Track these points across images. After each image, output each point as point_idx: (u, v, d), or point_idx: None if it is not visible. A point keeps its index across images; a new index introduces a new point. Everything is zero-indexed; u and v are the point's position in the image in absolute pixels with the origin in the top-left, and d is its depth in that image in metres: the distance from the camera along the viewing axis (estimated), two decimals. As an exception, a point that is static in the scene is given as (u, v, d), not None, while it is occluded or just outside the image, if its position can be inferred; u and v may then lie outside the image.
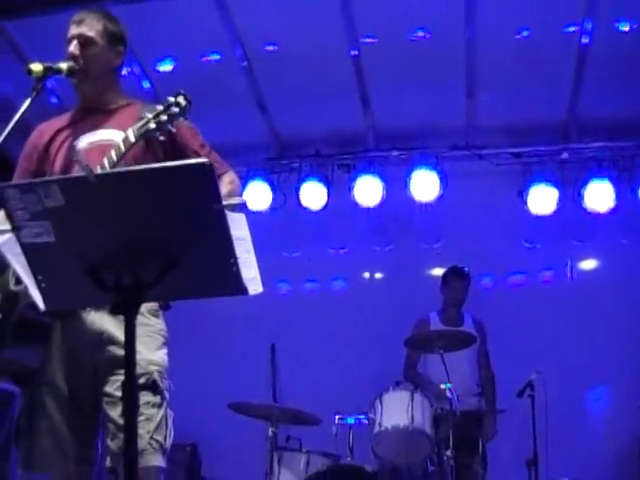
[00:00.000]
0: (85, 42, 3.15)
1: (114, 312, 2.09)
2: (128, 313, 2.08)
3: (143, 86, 6.82)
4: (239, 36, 6.50)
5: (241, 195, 3.34)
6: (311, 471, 5.49)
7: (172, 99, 2.91)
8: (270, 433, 5.66)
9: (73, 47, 3.14)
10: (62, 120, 3.34)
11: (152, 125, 2.87)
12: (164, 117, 2.87)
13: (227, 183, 3.14)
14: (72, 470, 2.93)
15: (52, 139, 3.25)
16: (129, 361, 2.11)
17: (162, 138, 2.94)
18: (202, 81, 6.47)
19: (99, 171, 2.65)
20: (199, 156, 3.12)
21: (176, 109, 2.89)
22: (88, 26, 3.18)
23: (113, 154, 2.85)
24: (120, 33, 3.29)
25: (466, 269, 6.73)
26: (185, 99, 2.92)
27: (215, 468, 7.01)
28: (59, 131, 3.26)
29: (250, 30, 6.43)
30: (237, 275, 2.06)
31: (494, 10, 6.00)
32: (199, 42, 6.58)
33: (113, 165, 2.83)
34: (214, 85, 6.57)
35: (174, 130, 2.95)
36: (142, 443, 2.71)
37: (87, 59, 3.15)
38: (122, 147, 2.87)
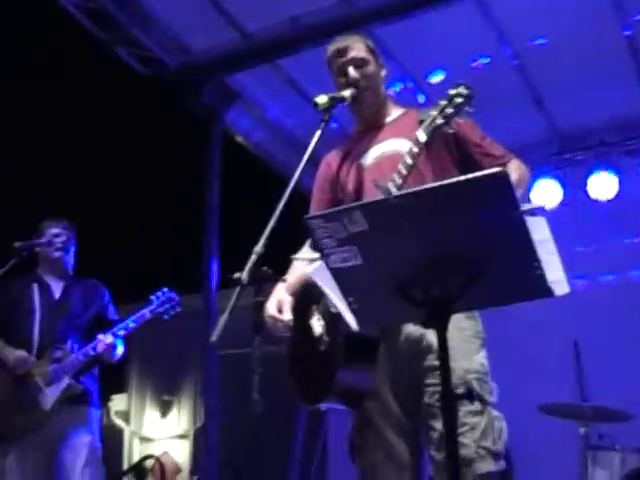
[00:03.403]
0: (361, 64, 3.27)
1: (426, 326, 2.15)
2: (439, 326, 2.12)
3: (418, 100, 6.94)
4: (505, 36, 6.44)
5: (529, 183, 3.27)
6: (627, 469, 5.28)
7: (453, 91, 2.89)
8: (582, 432, 5.51)
9: (353, 72, 3.25)
10: (345, 146, 3.46)
11: (439, 120, 2.87)
12: (450, 110, 2.86)
13: (514, 171, 3.10)
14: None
15: (340, 167, 3.37)
16: (444, 374, 2.15)
17: (451, 130, 2.92)
18: (475, 86, 6.45)
19: (392, 187, 2.74)
20: (481, 148, 3.15)
21: (459, 99, 2.86)
22: (355, 49, 3.29)
23: (402, 167, 2.87)
24: (374, 47, 3.37)
25: None
26: (466, 88, 2.89)
27: (528, 471, 6.91)
28: (344, 157, 3.38)
29: (515, 28, 6.35)
30: (541, 278, 2.04)
31: None
32: (466, 48, 6.58)
33: (405, 174, 2.86)
34: (487, 88, 6.50)
35: (461, 122, 2.95)
36: (469, 452, 2.75)
37: (366, 79, 3.26)
38: (414, 149, 2.88)
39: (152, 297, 4.81)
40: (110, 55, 6.84)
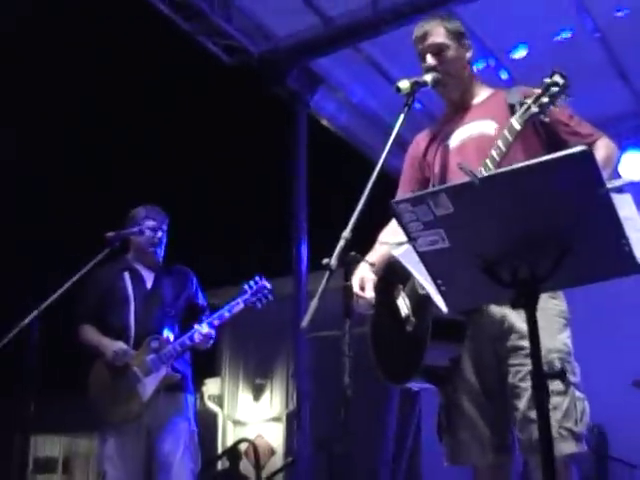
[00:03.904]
0: (438, 50, 3.27)
1: (514, 306, 2.16)
2: (528, 306, 2.14)
3: (501, 77, 6.89)
4: (587, 8, 6.34)
5: (617, 160, 3.23)
6: None
7: (548, 80, 2.86)
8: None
9: (430, 59, 3.26)
10: (434, 127, 3.49)
11: (535, 109, 2.87)
12: (545, 99, 2.85)
13: (603, 149, 3.08)
14: (492, 460, 3.01)
15: (428, 146, 3.39)
16: (535, 353, 2.16)
17: (547, 119, 2.92)
18: (558, 60, 6.34)
19: (481, 172, 2.74)
20: (569, 127, 3.12)
21: (555, 88, 2.84)
22: (433, 35, 3.29)
23: (495, 154, 2.89)
24: (458, 28, 3.35)
25: None
26: (562, 77, 2.86)
27: (622, 446, 6.84)
28: (433, 138, 3.41)
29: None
30: (630, 255, 2.05)
31: None
32: (548, 22, 6.50)
33: (498, 161, 2.88)
34: (571, 62, 6.36)
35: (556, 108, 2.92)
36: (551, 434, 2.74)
37: (445, 64, 3.26)
38: (508, 137, 2.90)
39: (245, 286, 4.82)
40: (195, 45, 6.96)
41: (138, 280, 4.93)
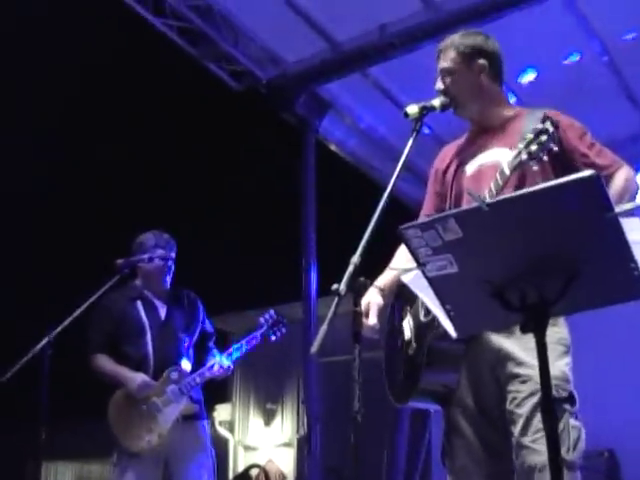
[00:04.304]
0: (446, 73, 3.27)
1: (524, 331, 2.16)
2: (537, 330, 2.14)
3: (509, 101, 6.89)
4: (595, 31, 6.37)
5: (637, 189, 3.20)
6: None
7: (540, 126, 2.86)
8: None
9: (438, 83, 3.28)
10: (459, 144, 3.44)
11: (524, 156, 2.87)
12: (534, 147, 2.85)
13: (621, 181, 3.04)
14: None
15: (450, 163, 3.37)
16: (544, 378, 2.17)
17: (535, 168, 2.91)
18: (566, 83, 6.42)
19: (488, 199, 2.74)
20: (587, 158, 3.07)
21: (544, 137, 2.83)
22: (443, 58, 3.29)
23: (499, 177, 2.91)
24: (476, 46, 3.28)
25: None
26: (552, 124, 2.85)
27: (634, 472, 6.80)
28: (456, 154, 3.37)
29: (604, 22, 6.28)
30: (639, 279, 2.04)
31: None
32: (556, 46, 6.55)
33: (499, 188, 2.89)
34: (579, 85, 6.48)
35: (545, 157, 2.89)
36: (541, 459, 2.70)
37: (453, 89, 3.25)
38: (506, 171, 2.92)
39: (261, 319, 4.90)
40: (203, 70, 7.01)
41: (151, 309, 4.92)
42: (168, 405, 4.66)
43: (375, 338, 3.15)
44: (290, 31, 6.68)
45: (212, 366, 4.74)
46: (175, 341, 4.86)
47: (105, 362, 4.81)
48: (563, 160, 3.04)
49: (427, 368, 2.98)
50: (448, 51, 3.29)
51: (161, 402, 4.66)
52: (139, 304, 4.91)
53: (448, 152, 3.46)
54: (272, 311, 4.92)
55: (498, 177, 2.93)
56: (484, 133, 3.31)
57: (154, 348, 4.78)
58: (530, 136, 2.87)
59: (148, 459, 4.62)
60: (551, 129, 2.84)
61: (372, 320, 3.08)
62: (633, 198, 3.14)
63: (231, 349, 4.83)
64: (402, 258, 3.21)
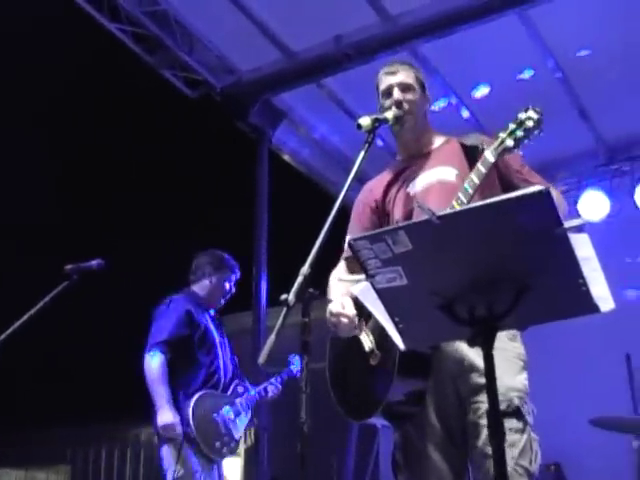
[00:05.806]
0: (406, 88, 3.33)
1: (471, 344, 2.16)
2: (485, 344, 2.14)
3: (462, 115, 6.95)
4: (549, 48, 6.44)
5: (567, 209, 3.29)
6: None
7: (523, 115, 2.95)
8: (635, 446, 5.47)
9: (397, 93, 3.31)
10: (387, 175, 3.48)
11: (509, 142, 2.94)
12: (520, 133, 2.93)
13: (556, 198, 3.10)
14: None
15: (385, 194, 3.39)
16: (491, 390, 2.16)
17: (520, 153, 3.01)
18: (520, 99, 6.43)
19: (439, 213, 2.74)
20: (522, 175, 3.19)
21: (530, 123, 2.92)
22: (404, 74, 3.37)
23: (461, 195, 2.92)
24: (424, 82, 3.45)
25: None
26: (536, 112, 2.95)
27: (581, 486, 6.86)
28: (389, 184, 3.40)
29: (558, 39, 6.35)
30: (587, 295, 2.06)
31: None
32: (510, 61, 6.60)
33: (471, 194, 2.92)
34: (532, 101, 6.50)
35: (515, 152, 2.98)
36: (508, 469, 2.72)
37: (410, 103, 3.31)
38: (482, 169, 2.95)
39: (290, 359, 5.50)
40: (158, 78, 6.95)
41: (216, 326, 5.18)
42: (238, 415, 5.01)
43: (355, 334, 3.08)
44: (246, 40, 6.65)
45: (266, 387, 5.27)
46: (231, 359, 5.19)
47: (162, 374, 4.78)
48: (502, 177, 3.15)
49: (398, 374, 2.88)
50: (409, 71, 3.40)
51: (233, 411, 4.97)
52: (208, 319, 5.15)
53: (376, 186, 3.47)
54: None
55: (467, 184, 2.94)
56: (416, 159, 3.38)
57: (224, 363, 5.06)
58: (513, 126, 2.94)
59: (213, 467, 4.90)
60: (536, 116, 2.93)
61: (350, 311, 2.99)
62: (565, 213, 3.22)
63: (281, 377, 5.41)
64: (344, 271, 3.31)
